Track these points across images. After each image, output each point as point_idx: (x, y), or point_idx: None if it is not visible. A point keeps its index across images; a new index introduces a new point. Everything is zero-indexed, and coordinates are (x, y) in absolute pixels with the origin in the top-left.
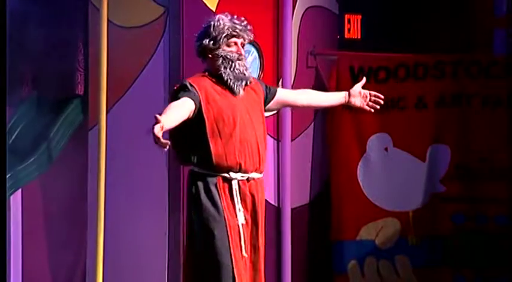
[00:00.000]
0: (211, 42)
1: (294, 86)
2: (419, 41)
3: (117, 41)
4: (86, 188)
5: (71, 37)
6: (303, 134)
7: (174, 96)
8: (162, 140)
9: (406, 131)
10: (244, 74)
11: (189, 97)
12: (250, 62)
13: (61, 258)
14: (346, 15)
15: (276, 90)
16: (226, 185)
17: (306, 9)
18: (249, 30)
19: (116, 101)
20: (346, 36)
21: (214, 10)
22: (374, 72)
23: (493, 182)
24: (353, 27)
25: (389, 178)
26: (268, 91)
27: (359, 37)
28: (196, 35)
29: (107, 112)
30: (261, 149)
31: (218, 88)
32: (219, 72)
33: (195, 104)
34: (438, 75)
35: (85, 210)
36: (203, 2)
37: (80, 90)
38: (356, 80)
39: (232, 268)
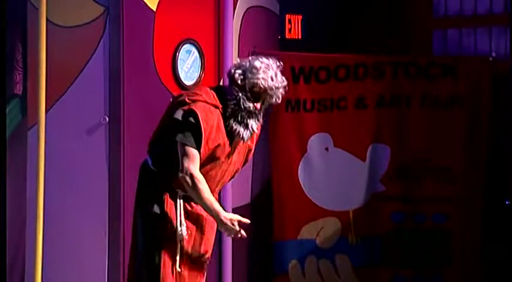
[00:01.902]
0: (243, 81)
1: None
2: (360, 41)
3: (56, 41)
4: (25, 188)
5: (8, 36)
6: None
7: (185, 128)
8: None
9: (347, 131)
10: (243, 134)
11: (196, 149)
12: (191, 63)
13: None
14: (287, 16)
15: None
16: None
17: (247, 9)
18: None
19: (56, 101)
20: (287, 36)
21: (154, 10)
22: (315, 73)
23: (431, 181)
24: (294, 27)
25: (330, 178)
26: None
27: (300, 37)
28: (241, 62)
29: (46, 111)
30: (225, 182)
31: (221, 124)
32: (228, 103)
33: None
34: (377, 75)
35: (24, 211)
36: (143, 1)
37: (18, 89)
38: (297, 80)
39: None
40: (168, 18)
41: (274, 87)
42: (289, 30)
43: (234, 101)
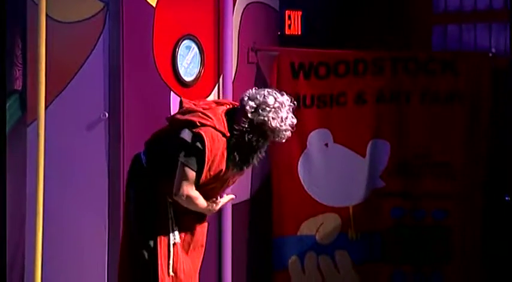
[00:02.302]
0: (252, 115)
1: (235, 82)
2: (360, 37)
3: (56, 36)
4: (24, 185)
5: (8, 32)
6: None
7: (190, 151)
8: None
9: (347, 127)
10: (244, 167)
11: (197, 173)
12: (190, 59)
13: None
14: (286, 11)
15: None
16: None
17: (247, 5)
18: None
19: (55, 96)
20: (286, 32)
21: (154, 5)
22: (314, 68)
23: (430, 177)
24: (293, 23)
25: (330, 174)
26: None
27: (299, 33)
28: (256, 94)
29: (46, 107)
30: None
31: (225, 152)
32: (234, 133)
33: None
34: (377, 71)
35: (24, 207)
36: None
37: (17, 85)
38: (297, 76)
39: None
40: (167, 14)
41: (282, 129)
42: (289, 26)
43: (240, 133)
